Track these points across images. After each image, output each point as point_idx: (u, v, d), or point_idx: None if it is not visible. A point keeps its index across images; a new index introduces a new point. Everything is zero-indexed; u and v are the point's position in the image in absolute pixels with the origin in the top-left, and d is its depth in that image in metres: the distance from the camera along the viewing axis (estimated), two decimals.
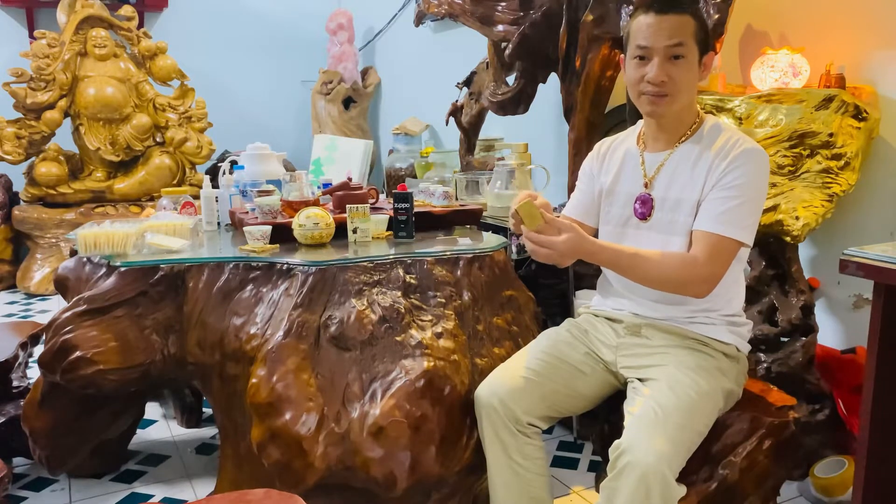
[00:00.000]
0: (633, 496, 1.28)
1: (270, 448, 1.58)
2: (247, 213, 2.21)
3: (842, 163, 2.00)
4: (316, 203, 2.14)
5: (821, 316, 2.26)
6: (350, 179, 2.25)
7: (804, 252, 2.29)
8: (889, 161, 2.12)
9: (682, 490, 1.33)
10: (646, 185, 1.58)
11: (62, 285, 2.09)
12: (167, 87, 4.84)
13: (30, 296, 4.45)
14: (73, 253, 2.14)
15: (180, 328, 1.85)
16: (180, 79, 4.81)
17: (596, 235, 1.67)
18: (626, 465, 1.30)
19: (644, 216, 1.57)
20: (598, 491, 1.95)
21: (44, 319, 3.65)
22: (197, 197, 2.35)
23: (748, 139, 1.50)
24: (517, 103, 2.87)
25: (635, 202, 1.59)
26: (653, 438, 1.31)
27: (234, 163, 2.55)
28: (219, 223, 2.30)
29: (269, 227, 1.95)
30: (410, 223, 2.04)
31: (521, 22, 2.69)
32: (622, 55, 1.59)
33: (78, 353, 1.77)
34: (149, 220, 2.13)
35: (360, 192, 2.17)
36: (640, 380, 1.52)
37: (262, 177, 2.44)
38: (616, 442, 1.34)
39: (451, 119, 3.51)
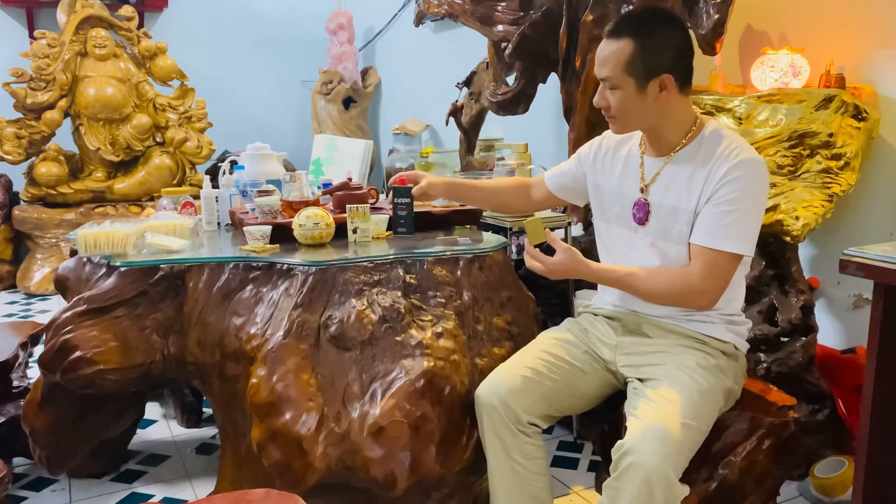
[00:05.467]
0: (638, 497, 1.28)
1: (270, 448, 1.58)
2: (247, 213, 2.21)
3: (842, 163, 2.00)
4: (316, 203, 2.14)
5: (821, 316, 2.26)
6: (350, 179, 2.25)
7: (804, 252, 2.29)
8: (889, 161, 2.12)
9: (685, 490, 1.33)
10: (642, 191, 1.58)
11: (62, 285, 2.08)
12: (167, 87, 4.84)
13: (30, 296, 4.45)
14: (73, 253, 2.14)
15: (180, 328, 1.85)
16: (180, 79, 4.81)
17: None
18: (629, 466, 1.30)
19: (641, 221, 1.58)
20: (598, 491, 1.95)
21: (44, 319, 3.65)
22: (197, 197, 2.35)
23: (747, 148, 1.47)
24: (517, 103, 2.87)
25: (633, 207, 1.59)
26: (656, 439, 1.31)
27: (234, 163, 2.54)
28: (219, 223, 2.30)
29: (269, 227, 1.95)
30: (410, 218, 2.05)
31: (521, 22, 2.68)
32: None
33: (78, 353, 1.77)
34: (149, 220, 2.13)
35: (360, 192, 2.17)
36: (640, 380, 1.52)
37: (262, 177, 2.43)
38: (619, 442, 1.35)
39: (451, 119, 3.51)
